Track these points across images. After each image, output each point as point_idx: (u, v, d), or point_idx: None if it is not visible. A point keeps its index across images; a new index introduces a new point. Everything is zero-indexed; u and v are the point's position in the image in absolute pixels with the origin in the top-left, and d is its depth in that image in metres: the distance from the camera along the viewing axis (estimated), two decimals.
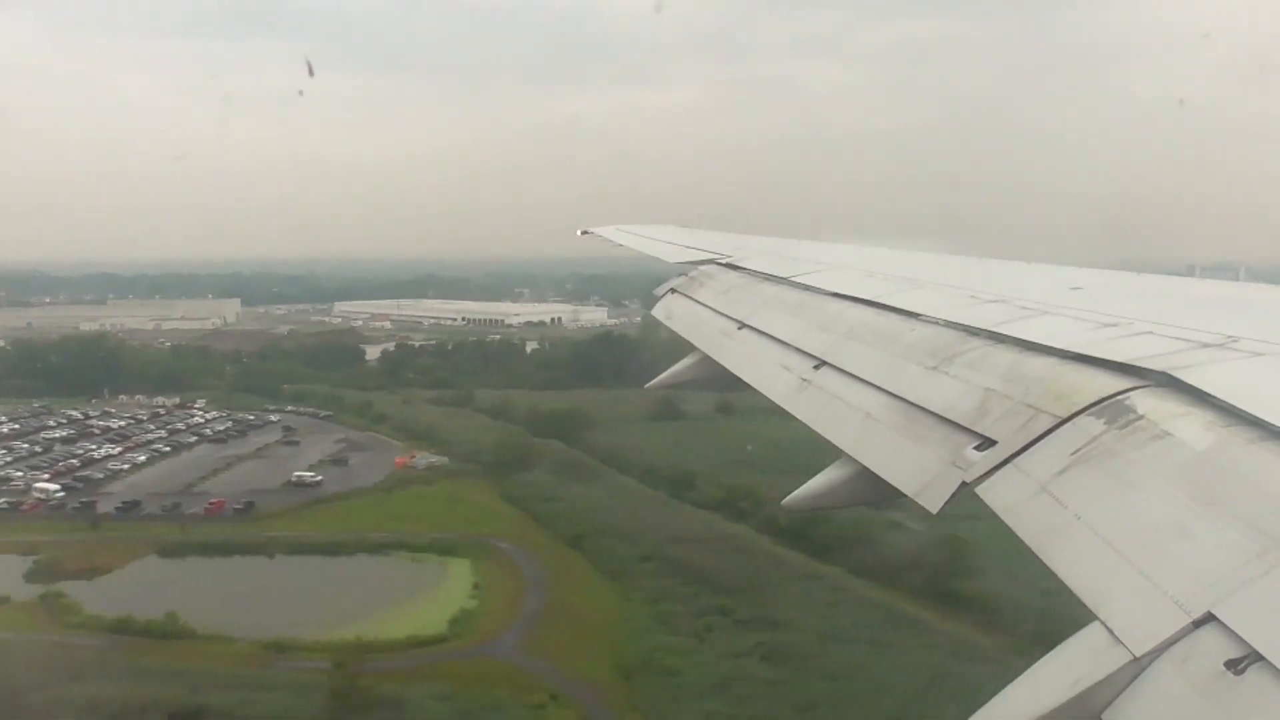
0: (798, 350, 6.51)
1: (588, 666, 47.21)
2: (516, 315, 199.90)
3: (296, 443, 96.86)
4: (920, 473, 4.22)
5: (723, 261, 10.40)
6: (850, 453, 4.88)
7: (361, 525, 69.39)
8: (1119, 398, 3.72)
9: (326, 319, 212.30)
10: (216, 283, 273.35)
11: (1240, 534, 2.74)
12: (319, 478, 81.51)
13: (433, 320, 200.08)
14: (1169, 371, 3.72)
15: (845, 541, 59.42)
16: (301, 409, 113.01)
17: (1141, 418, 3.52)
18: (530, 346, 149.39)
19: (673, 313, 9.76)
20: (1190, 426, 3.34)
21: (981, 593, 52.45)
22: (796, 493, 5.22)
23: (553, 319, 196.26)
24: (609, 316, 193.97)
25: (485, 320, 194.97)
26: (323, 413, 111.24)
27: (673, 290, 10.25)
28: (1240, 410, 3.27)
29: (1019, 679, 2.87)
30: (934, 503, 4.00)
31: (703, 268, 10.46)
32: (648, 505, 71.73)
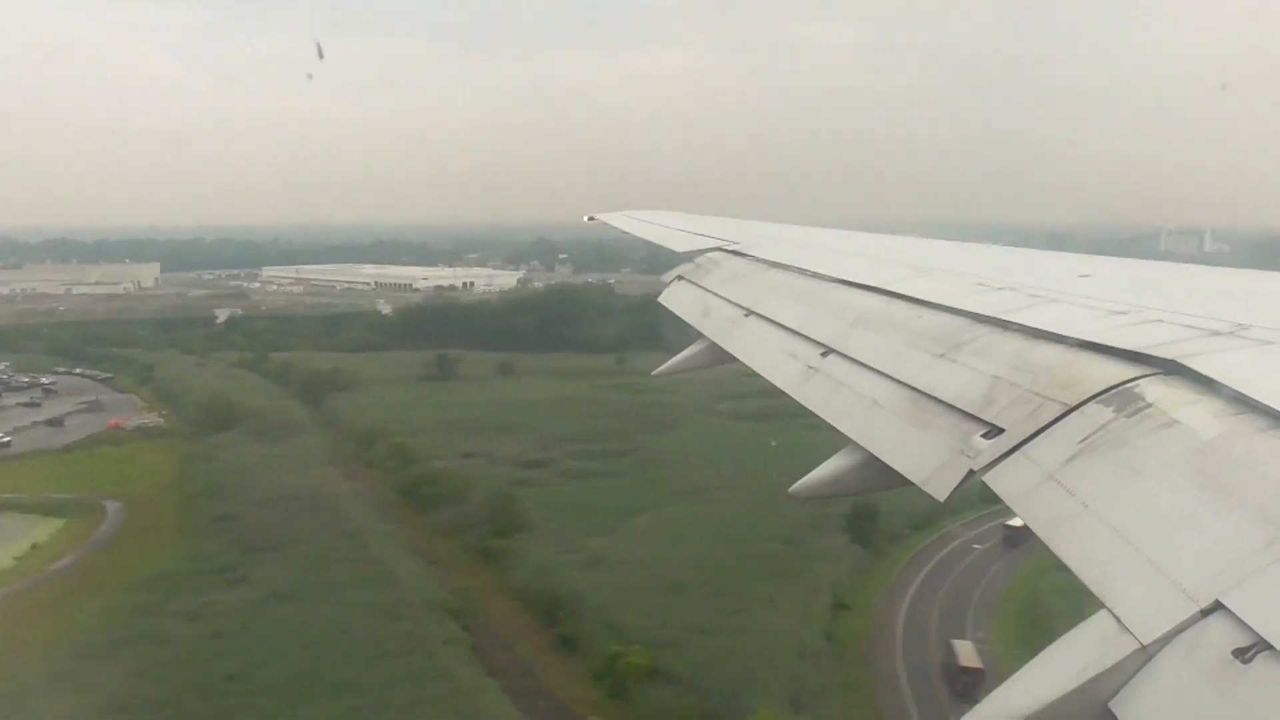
0: (805, 337, 6.50)
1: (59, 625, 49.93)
2: (425, 280, 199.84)
3: (38, 404, 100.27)
4: (927, 461, 4.22)
5: (729, 249, 10.38)
6: (857, 440, 4.88)
7: (9, 486, 71.51)
8: (1127, 386, 3.71)
9: (246, 284, 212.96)
10: (169, 248, 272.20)
11: (1249, 522, 2.73)
12: (8, 439, 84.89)
13: (346, 285, 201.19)
14: (1178, 359, 3.70)
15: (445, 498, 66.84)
16: (87, 371, 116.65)
17: (1150, 406, 3.51)
18: (385, 310, 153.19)
19: (678, 299, 9.75)
20: (1199, 414, 3.33)
21: (510, 549, 58.67)
22: (803, 480, 5.21)
23: (465, 283, 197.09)
24: (519, 282, 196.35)
25: (395, 285, 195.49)
26: (103, 375, 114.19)
27: (679, 277, 10.24)
28: (1249, 398, 3.26)
29: (1026, 666, 2.87)
30: (941, 491, 4.00)
31: (709, 255, 10.44)
32: (297, 466, 75.58)
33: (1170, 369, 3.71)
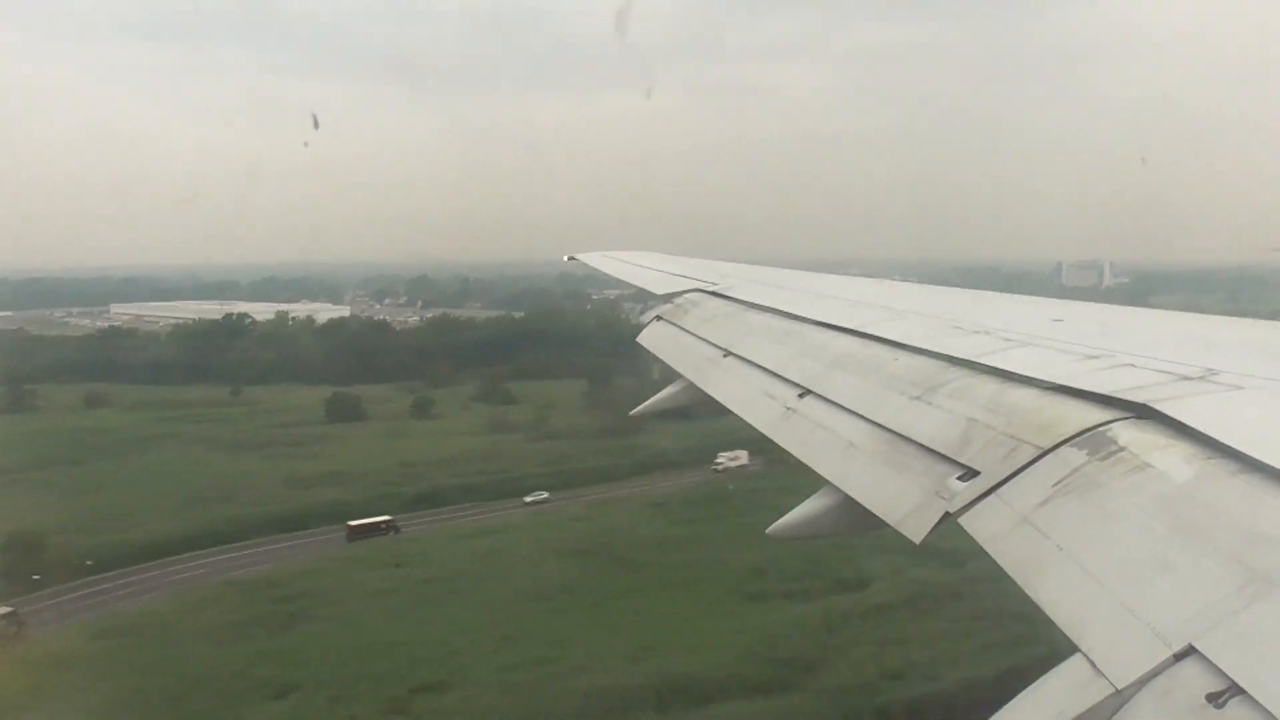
0: (783, 379, 6.53)
1: None
2: (233, 314, 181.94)
3: None
4: (904, 502, 4.23)
5: (708, 289, 10.44)
6: (834, 481, 4.88)
7: None
8: (1100, 429, 3.75)
9: (85, 321, 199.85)
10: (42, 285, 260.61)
11: (1221, 566, 2.75)
12: None
13: (155, 318, 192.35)
14: (1150, 404, 3.75)
15: None
16: None
17: (1123, 449, 3.54)
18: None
19: (657, 339, 9.77)
20: (1171, 459, 3.36)
21: None
22: (780, 522, 5.21)
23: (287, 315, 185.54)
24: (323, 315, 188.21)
25: (199, 319, 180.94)
26: None
27: (658, 317, 10.27)
28: (1220, 442, 3.29)
29: (1001, 711, 2.86)
30: (917, 533, 4.00)
31: (688, 295, 10.49)
32: None
33: (1142, 413, 3.76)
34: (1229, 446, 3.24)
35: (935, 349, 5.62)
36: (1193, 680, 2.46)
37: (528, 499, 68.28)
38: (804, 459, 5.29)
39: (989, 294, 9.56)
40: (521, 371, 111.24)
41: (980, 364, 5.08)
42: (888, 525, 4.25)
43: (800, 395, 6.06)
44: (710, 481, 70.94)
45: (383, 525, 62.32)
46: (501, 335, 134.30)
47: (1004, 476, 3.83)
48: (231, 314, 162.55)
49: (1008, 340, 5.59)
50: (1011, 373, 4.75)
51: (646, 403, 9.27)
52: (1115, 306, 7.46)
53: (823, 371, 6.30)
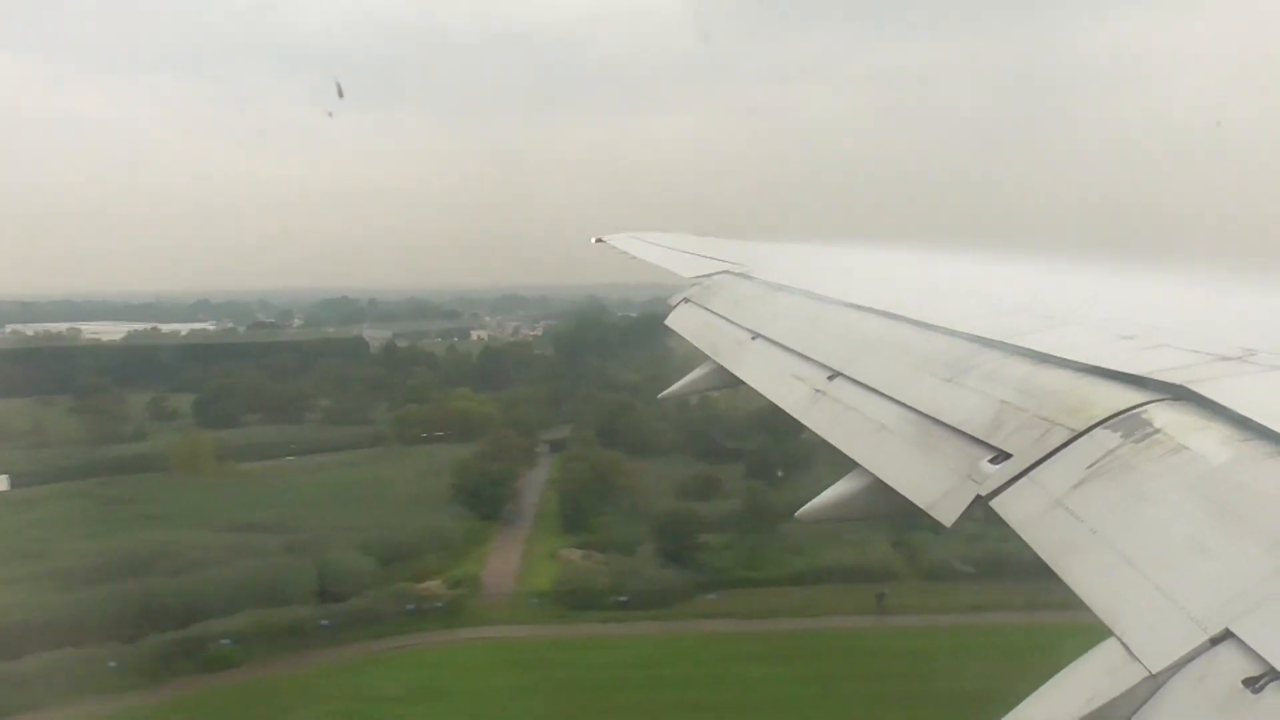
0: (811, 360, 6.50)
1: None
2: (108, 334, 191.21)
3: None
4: (934, 485, 4.20)
5: (737, 271, 10.40)
6: (864, 464, 4.86)
7: None
8: (1136, 411, 3.70)
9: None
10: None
11: (1259, 549, 2.71)
12: None
13: (92, 335, 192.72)
14: (1186, 385, 3.69)
15: None
16: None
17: (1158, 431, 3.49)
18: None
19: (685, 322, 9.76)
20: (1208, 440, 3.31)
21: None
22: (809, 505, 5.20)
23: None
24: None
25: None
26: None
27: (686, 300, 10.26)
28: (1258, 424, 3.24)
29: (1032, 695, 2.85)
30: (948, 516, 3.98)
31: (716, 277, 10.46)
32: None
33: (1178, 394, 3.70)
34: (1267, 428, 3.19)
35: (966, 329, 5.57)
36: (1229, 665, 2.44)
37: None
38: (833, 441, 5.28)
39: (1022, 267, 9.43)
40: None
41: (1012, 344, 5.03)
42: (918, 508, 4.23)
43: (829, 377, 6.03)
44: None
45: None
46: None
47: (1037, 459, 3.80)
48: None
49: (1041, 319, 5.52)
50: (1044, 353, 4.69)
51: (675, 385, 9.27)
52: (1152, 283, 7.32)
53: (852, 353, 6.26)
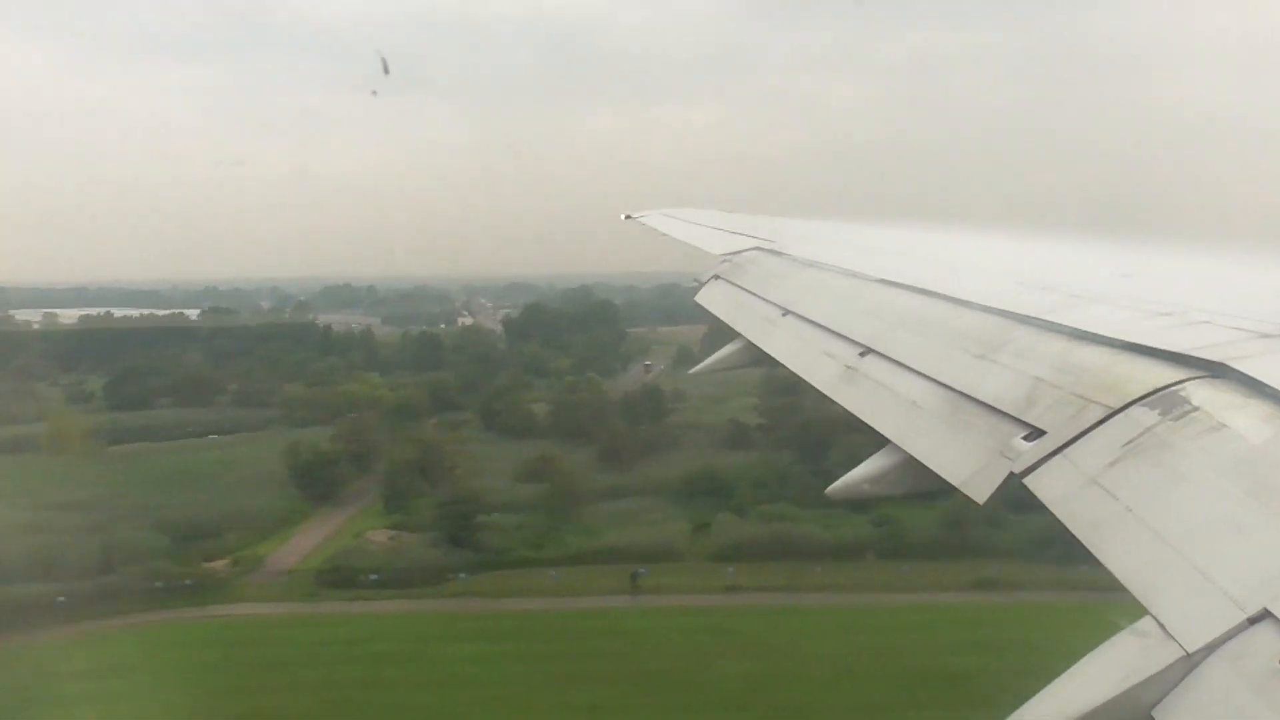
0: (842, 337, 6.48)
1: None
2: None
3: None
4: (967, 462, 4.19)
5: (767, 247, 10.36)
6: (896, 441, 4.85)
7: None
8: (1173, 388, 3.66)
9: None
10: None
11: None
12: None
13: (24, 320, 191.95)
14: (1225, 362, 3.64)
15: None
16: None
17: (1196, 409, 3.46)
18: None
19: (715, 299, 9.75)
20: (1247, 418, 3.27)
21: None
22: (840, 481, 5.20)
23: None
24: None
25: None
26: None
27: (716, 277, 10.24)
28: None
29: (1067, 673, 2.85)
30: (981, 493, 3.97)
31: (746, 254, 10.42)
32: None
33: (1217, 371, 3.66)
34: None
35: (1000, 306, 5.53)
36: (1267, 644, 2.43)
37: None
38: (865, 418, 5.27)
39: (1054, 244, 9.32)
40: None
41: (1046, 321, 4.98)
42: (950, 485, 4.22)
43: (861, 354, 6.01)
44: None
45: None
46: None
47: (1071, 436, 3.77)
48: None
49: (1075, 296, 5.46)
50: (1079, 330, 4.65)
51: (705, 361, 9.27)
52: (1187, 260, 7.21)
53: (884, 329, 6.23)
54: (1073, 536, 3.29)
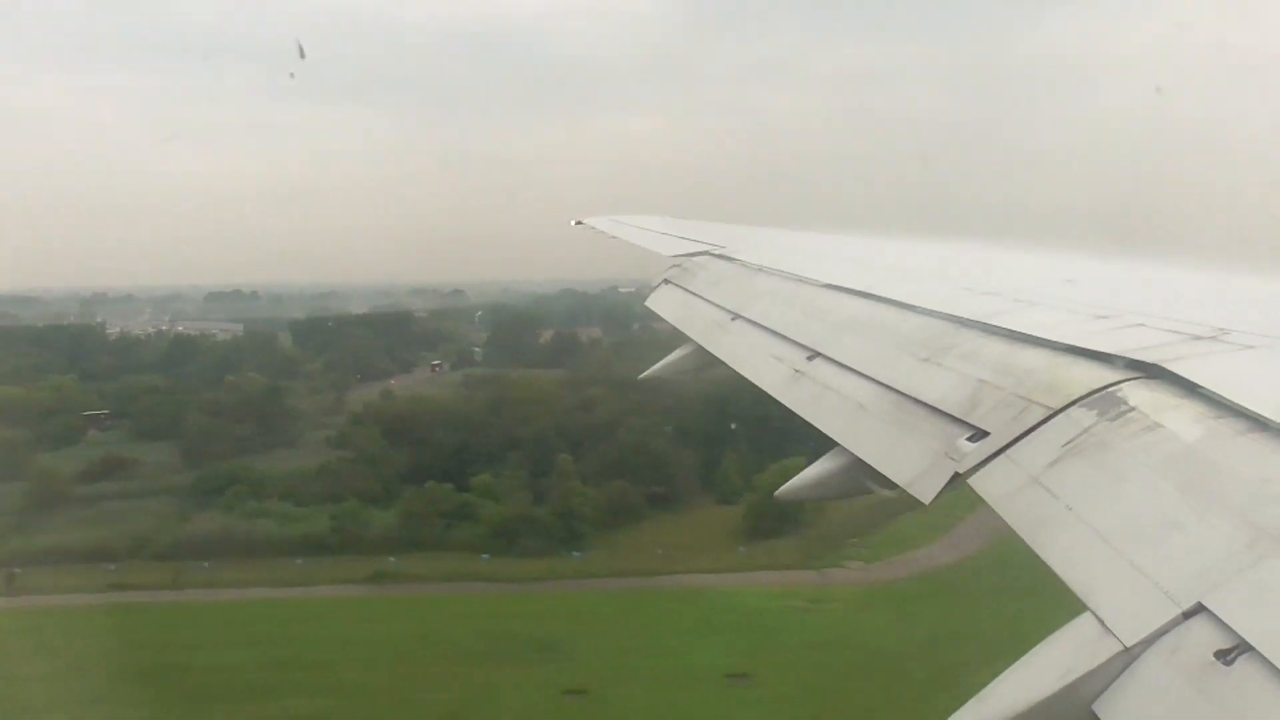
0: (791, 341, 6.52)
1: None
2: None
3: None
4: (913, 463, 4.24)
5: (717, 252, 10.40)
6: (843, 443, 4.89)
7: None
8: (1111, 389, 3.74)
9: None
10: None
11: (1230, 525, 2.76)
12: None
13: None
14: (1160, 364, 3.73)
15: None
16: None
17: (1133, 409, 3.53)
18: None
19: (665, 303, 9.75)
20: (1181, 418, 3.36)
21: None
22: (789, 484, 5.23)
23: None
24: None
25: None
26: None
27: (665, 281, 10.24)
28: (1230, 402, 3.29)
29: (1009, 670, 2.89)
30: (926, 493, 4.02)
31: (696, 258, 10.45)
32: None
33: (1153, 373, 3.74)
34: (1239, 406, 3.23)
35: (944, 310, 5.60)
36: (1202, 638, 2.48)
37: None
38: (813, 421, 5.30)
39: (999, 252, 9.48)
40: None
41: (990, 325, 5.07)
42: (897, 486, 4.26)
43: (809, 358, 6.05)
44: None
45: None
46: None
47: (1013, 437, 3.83)
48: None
49: (1018, 300, 5.56)
50: (1021, 333, 4.73)
51: (655, 366, 9.27)
52: (1127, 265, 7.39)
53: (831, 333, 6.29)
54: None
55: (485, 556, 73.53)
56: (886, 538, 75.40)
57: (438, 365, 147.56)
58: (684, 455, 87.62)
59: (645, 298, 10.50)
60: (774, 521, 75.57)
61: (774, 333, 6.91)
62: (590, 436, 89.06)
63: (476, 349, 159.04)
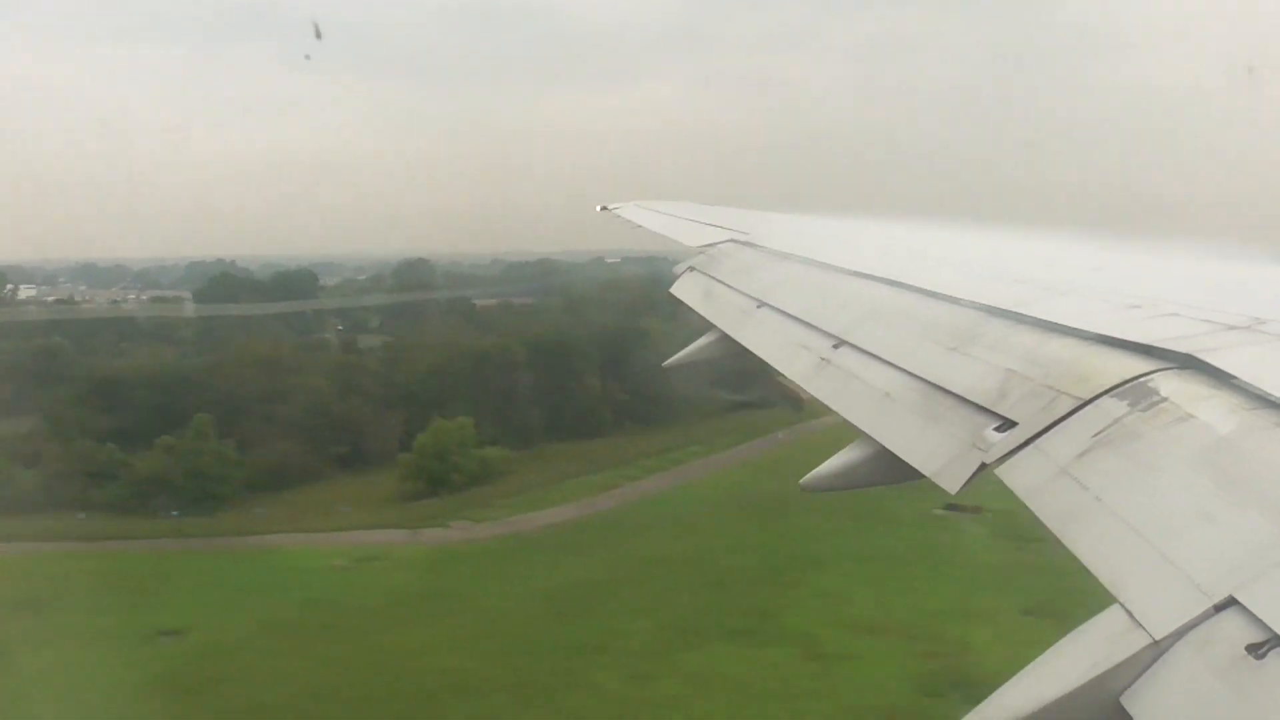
0: (817, 329, 6.49)
1: None
2: None
3: None
4: (939, 453, 4.21)
5: (742, 239, 10.36)
6: (869, 432, 4.87)
7: None
8: (1142, 380, 3.70)
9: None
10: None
11: (1263, 518, 2.72)
12: None
13: None
14: (1194, 354, 3.68)
15: None
16: None
17: (1165, 400, 3.49)
18: None
19: (690, 291, 9.74)
20: (1214, 409, 3.31)
21: None
22: (814, 473, 5.21)
23: None
24: None
25: None
26: None
27: (691, 268, 10.23)
28: (1265, 393, 3.24)
29: (1036, 661, 2.87)
30: (953, 484, 4.00)
31: (721, 246, 10.43)
32: None
33: (1186, 363, 3.70)
34: (1275, 397, 3.19)
35: (972, 298, 5.56)
36: (1233, 631, 2.45)
37: None
38: (838, 410, 5.28)
39: (1025, 238, 9.38)
40: None
41: (1018, 313, 5.02)
42: (923, 476, 4.24)
43: (835, 346, 6.03)
44: None
45: None
46: None
47: (1042, 427, 3.80)
48: None
49: (1046, 289, 5.51)
50: (1050, 322, 4.68)
51: (679, 354, 9.27)
52: (1157, 254, 7.29)
53: (858, 321, 6.25)
54: None
55: (81, 515, 76.08)
56: (529, 499, 76.56)
57: (341, 330, 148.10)
58: (390, 417, 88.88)
59: (625, 268, 10.50)
60: (428, 483, 77.68)
61: (799, 320, 6.88)
62: (281, 398, 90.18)
63: (374, 317, 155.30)
